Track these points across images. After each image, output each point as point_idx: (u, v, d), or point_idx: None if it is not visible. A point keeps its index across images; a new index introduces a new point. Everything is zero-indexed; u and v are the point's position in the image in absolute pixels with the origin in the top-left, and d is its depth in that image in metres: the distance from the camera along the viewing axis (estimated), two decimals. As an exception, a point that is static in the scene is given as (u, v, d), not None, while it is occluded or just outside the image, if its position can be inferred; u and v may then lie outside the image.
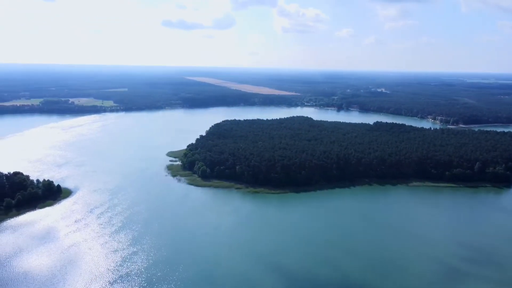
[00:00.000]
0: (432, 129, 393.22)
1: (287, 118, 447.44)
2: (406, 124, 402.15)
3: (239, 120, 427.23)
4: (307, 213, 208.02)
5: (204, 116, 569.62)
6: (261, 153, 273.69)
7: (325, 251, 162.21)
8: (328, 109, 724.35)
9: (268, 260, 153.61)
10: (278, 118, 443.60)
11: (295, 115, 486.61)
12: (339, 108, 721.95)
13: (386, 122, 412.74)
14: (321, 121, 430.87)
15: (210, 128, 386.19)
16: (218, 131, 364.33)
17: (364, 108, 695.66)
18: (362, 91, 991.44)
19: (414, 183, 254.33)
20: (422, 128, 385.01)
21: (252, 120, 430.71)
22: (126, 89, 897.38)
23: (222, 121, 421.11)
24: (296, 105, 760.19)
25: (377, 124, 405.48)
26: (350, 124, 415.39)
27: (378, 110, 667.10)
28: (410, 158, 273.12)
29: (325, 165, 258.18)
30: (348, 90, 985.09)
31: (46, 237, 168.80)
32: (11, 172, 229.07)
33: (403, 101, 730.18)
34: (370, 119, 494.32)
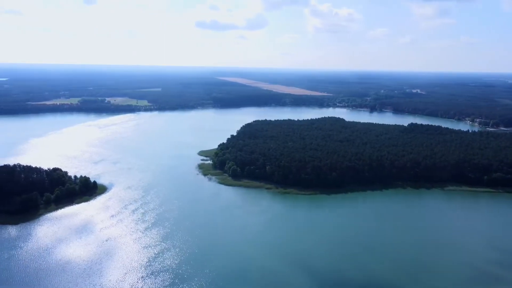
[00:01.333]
0: (470, 131, 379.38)
1: (318, 118, 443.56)
2: (443, 126, 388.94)
3: (270, 120, 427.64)
4: (337, 214, 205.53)
5: (235, 116, 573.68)
6: (292, 154, 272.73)
7: (355, 253, 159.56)
8: (360, 110, 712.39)
9: (297, 260, 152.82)
10: (309, 118, 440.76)
11: (326, 115, 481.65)
12: (372, 109, 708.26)
13: (421, 124, 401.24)
14: (353, 122, 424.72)
15: (241, 128, 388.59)
16: (249, 131, 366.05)
17: (398, 110, 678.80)
18: (396, 92, 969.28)
19: (450, 188, 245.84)
20: (460, 130, 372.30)
21: (283, 120, 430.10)
22: (159, 89, 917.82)
23: (253, 121, 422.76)
24: (327, 106, 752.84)
25: (411, 125, 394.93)
26: (383, 125, 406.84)
27: (413, 111, 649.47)
28: (446, 161, 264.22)
29: (357, 167, 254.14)
30: (382, 91, 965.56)
31: (83, 231, 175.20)
32: (51, 168, 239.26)
33: (440, 103, 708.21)
34: (404, 120, 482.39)
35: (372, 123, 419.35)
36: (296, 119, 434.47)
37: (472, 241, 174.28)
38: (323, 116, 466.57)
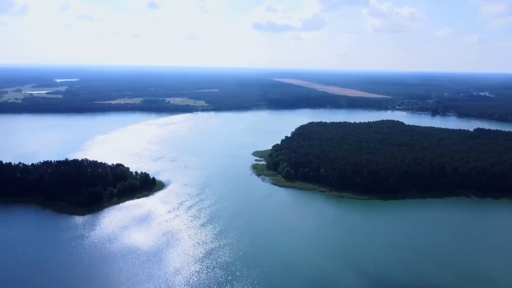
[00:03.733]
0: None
1: (376, 121, 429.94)
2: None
3: (325, 122, 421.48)
4: (394, 221, 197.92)
5: (289, 117, 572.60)
6: (347, 157, 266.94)
7: (410, 260, 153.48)
8: (421, 113, 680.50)
9: (349, 263, 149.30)
10: (366, 121, 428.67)
11: (384, 118, 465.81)
12: (434, 112, 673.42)
13: (489, 129, 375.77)
14: (413, 125, 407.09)
15: (296, 129, 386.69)
16: (303, 133, 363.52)
17: (464, 113, 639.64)
18: (461, 94, 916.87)
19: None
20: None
21: (339, 122, 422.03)
22: (216, 90, 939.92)
23: (308, 123, 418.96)
24: (386, 109, 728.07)
25: (478, 130, 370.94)
26: (446, 130, 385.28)
27: (480, 115, 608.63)
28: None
29: (416, 173, 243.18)
30: (446, 94, 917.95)
31: (143, 224, 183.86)
32: (114, 164, 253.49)
33: (511, 106, 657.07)
34: (470, 125, 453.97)
35: (434, 127, 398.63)
36: (352, 122, 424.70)
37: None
38: (381, 119, 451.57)
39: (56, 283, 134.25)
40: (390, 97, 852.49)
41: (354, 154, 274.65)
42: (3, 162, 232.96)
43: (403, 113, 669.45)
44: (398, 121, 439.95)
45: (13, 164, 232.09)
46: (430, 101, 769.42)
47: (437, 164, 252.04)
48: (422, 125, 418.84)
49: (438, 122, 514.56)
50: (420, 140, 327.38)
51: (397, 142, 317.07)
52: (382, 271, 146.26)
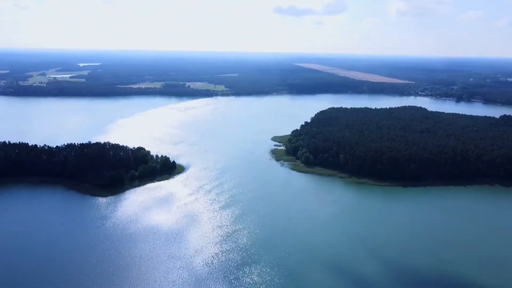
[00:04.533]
0: None
1: (398, 107, 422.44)
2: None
3: (346, 108, 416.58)
4: (414, 208, 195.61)
5: (309, 103, 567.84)
6: (367, 143, 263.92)
7: (430, 247, 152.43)
8: (445, 99, 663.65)
9: (368, 248, 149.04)
10: (388, 107, 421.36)
11: (407, 104, 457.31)
12: (459, 98, 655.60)
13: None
14: (436, 112, 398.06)
15: (315, 115, 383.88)
16: (323, 118, 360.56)
17: (490, 100, 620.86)
18: (488, 80, 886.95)
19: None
20: None
21: (359, 108, 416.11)
22: (236, 75, 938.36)
23: (328, 108, 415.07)
24: (409, 94, 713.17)
25: (504, 118, 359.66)
26: (471, 116, 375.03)
27: (507, 102, 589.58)
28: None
29: (438, 160, 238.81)
30: (471, 79, 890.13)
31: (163, 206, 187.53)
32: (135, 147, 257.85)
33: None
34: (496, 112, 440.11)
35: (458, 114, 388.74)
36: (374, 108, 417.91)
37: None
38: (403, 105, 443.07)
39: (80, 260, 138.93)
40: (413, 82, 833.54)
41: (375, 141, 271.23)
42: (30, 144, 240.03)
43: (426, 99, 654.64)
44: (420, 107, 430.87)
45: (39, 146, 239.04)
46: (455, 87, 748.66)
47: (460, 152, 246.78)
48: (446, 111, 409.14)
49: (462, 109, 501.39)
50: (443, 127, 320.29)
51: (419, 129, 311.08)
52: (401, 257, 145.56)
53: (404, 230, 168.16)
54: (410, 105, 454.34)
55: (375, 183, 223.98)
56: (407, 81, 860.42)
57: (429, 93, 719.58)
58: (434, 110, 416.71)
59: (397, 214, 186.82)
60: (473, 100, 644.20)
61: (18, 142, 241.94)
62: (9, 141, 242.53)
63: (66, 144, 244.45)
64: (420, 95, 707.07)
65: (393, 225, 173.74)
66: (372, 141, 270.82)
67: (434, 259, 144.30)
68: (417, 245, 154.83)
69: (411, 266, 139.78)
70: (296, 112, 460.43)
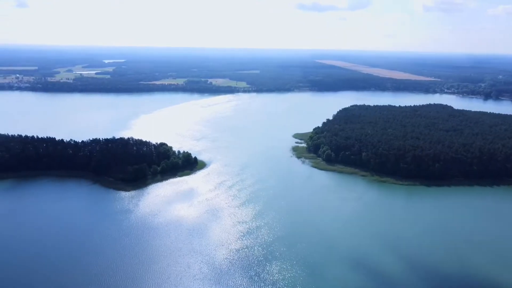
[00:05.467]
0: None
1: (422, 105, 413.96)
2: None
3: (369, 105, 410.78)
4: (439, 208, 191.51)
5: (332, 100, 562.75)
6: (391, 141, 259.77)
7: (455, 246, 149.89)
8: (472, 97, 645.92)
9: (391, 247, 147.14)
10: (412, 105, 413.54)
11: (432, 102, 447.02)
12: (487, 96, 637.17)
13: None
14: (463, 110, 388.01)
15: (338, 112, 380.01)
16: (345, 116, 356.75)
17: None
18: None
19: None
20: None
21: (383, 106, 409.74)
22: (258, 71, 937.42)
23: (350, 106, 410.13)
24: (434, 92, 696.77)
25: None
26: (499, 115, 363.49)
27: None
28: None
29: (464, 159, 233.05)
30: (500, 76, 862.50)
31: (185, 201, 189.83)
32: (158, 143, 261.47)
33: None
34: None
35: (486, 112, 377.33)
36: (398, 105, 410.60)
37: None
38: (428, 103, 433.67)
39: (103, 252, 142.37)
40: (439, 80, 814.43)
41: (398, 139, 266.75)
42: (57, 139, 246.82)
43: (452, 97, 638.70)
44: (446, 105, 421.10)
45: (65, 141, 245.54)
46: (483, 85, 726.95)
47: (487, 151, 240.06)
48: (473, 109, 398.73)
49: (490, 107, 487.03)
50: (469, 125, 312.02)
51: (445, 127, 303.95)
52: (424, 256, 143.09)
53: (428, 230, 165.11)
54: (436, 102, 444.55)
55: (397, 182, 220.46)
56: (432, 78, 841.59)
57: (456, 90, 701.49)
58: (461, 108, 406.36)
59: (420, 213, 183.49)
60: (502, 98, 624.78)
61: (46, 137, 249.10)
62: (37, 136, 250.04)
63: (91, 139, 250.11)
64: (446, 93, 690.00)
65: (416, 224, 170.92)
66: (396, 139, 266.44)
67: (458, 260, 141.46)
68: (441, 245, 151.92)
69: (434, 266, 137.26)
70: (318, 109, 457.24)
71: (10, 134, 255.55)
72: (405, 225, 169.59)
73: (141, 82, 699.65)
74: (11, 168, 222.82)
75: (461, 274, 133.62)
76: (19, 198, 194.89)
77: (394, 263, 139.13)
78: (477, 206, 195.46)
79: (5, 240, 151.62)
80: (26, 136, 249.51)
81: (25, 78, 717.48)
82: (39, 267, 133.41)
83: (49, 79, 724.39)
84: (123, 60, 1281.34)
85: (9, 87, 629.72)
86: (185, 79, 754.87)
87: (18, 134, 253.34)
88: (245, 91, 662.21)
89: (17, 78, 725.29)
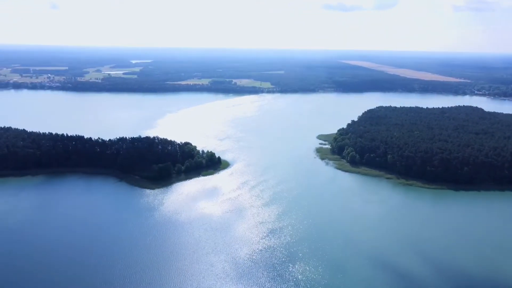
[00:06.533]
0: None
1: (451, 107, 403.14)
2: None
3: (395, 107, 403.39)
4: (467, 212, 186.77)
5: (357, 101, 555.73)
6: (417, 144, 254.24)
7: (484, 253, 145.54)
8: (504, 99, 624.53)
9: (418, 251, 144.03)
10: (440, 107, 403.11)
11: (461, 104, 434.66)
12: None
13: None
14: (494, 112, 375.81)
15: (363, 113, 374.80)
16: (371, 117, 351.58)
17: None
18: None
19: None
20: None
21: (410, 107, 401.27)
22: (282, 72, 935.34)
23: (376, 107, 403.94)
24: (464, 93, 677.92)
25: None
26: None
27: None
28: None
29: (494, 163, 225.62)
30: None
31: (208, 200, 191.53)
32: (183, 142, 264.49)
33: None
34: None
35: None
36: (425, 107, 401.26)
37: None
38: (457, 105, 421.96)
39: (128, 248, 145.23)
40: (469, 81, 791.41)
41: (425, 141, 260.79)
42: (85, 137, 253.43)
43: (483, 99, 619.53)
44: (476, 107, 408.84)
45: (93, 139, 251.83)
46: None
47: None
48: (505, 112, 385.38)
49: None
50: (501, 128, 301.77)
51: (475, 130, 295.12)
52: (451, 261, 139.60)
53: (456, 235, 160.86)
54: (465, 104, 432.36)
55: (424, 186, 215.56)
56: (462, 80, 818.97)
57: (487, 92, 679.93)
58: (492, 110, 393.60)
59: (447, 218, 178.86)
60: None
61: (75, 135, 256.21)
62: (67, 134, 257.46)
63: (118, 137, 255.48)
64: (477, 95, 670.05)
65: (443, 228, 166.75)
66: (422, 141, 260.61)
67: (487, 266, 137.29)
68: (468, 250, 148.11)
69: (462, 272, 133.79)
70: (343, 110, 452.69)
71: (41, 132, 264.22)
72: (432, 230, 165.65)
73: (167, 82, 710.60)
74: (42, 164, 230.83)
75: (490, 281, 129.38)
76: (49, 194, 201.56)
77: (419, 267, 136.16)
78: (508, 212, 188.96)
79: (36, 231, 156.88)
80: (56, 134, 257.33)
81: (56, 78, 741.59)
82: (69, 257, 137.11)
83: (78, 79, 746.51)
84: (150, 61, 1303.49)
85: (41, 87, 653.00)
86: (210, 79, 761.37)
87: (49, 132, 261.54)
88: (269, 91, 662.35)
89: (49, 78, 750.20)
